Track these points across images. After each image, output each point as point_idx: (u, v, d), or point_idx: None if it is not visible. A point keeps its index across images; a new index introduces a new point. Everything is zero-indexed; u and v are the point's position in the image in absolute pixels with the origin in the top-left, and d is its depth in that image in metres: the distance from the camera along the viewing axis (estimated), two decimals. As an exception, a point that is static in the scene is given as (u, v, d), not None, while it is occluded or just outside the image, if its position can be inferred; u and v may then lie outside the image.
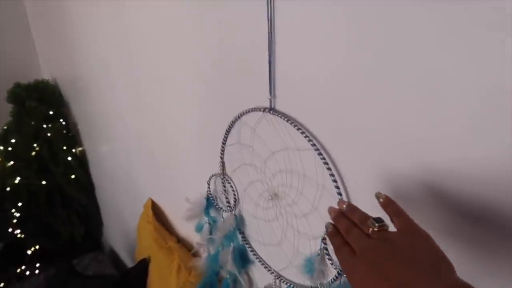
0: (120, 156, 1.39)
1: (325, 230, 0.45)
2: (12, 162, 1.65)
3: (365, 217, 0.42)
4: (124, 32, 1.01)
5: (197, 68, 0.76)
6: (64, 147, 1.74)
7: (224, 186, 0.79)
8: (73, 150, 1.80)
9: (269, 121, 0.60)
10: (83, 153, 1.83)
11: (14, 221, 1.71)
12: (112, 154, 1.47)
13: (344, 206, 0.45)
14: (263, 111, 0.60)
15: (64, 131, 1.76)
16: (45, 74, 1.89)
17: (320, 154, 0.53)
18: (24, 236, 1.75)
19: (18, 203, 1.67)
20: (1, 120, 1.71)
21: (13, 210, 1.69)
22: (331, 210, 0.45)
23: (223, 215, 0.83)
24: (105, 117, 1.41)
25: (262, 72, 0.57)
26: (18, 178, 1.65)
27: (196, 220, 0.88)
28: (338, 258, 0.41)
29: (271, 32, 0.53)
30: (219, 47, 0.66)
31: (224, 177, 0.78)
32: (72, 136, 1.81)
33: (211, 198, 0.85)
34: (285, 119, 0.56)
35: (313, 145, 0.54)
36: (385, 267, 0.36)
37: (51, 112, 1.71)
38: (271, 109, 0.58)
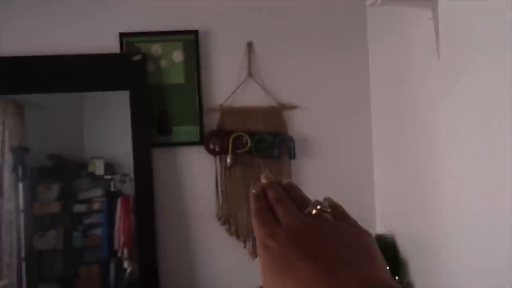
0: None
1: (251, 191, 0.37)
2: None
3: (306, 198, 0.36)
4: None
5: None
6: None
7: None
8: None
9: None
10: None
11: None
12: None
13: (285, 182, 0.38)
14: None
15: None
16: (381, 228, 2.03)
17: None
18: None
19: None
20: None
21: None
22: (267, 176, 0.37)
23: None
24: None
25: None
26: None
27: None
28: (255, 221, 0.33)
29: None
30: None
31: None
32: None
33: None
34: None
35: None
36: (320, 249, 0.30)
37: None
38: None
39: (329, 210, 0.35)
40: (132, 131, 1.95)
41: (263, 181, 0.38)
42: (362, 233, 0.34)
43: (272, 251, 0.31)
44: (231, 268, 2.05)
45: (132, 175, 2.12)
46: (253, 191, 0.37)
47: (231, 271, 2.05)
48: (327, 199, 0.37)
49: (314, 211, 0.34)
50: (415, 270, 1.74)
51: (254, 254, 2.04)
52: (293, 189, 0.38)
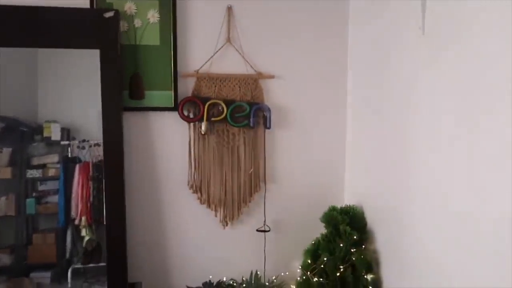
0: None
1: None
2: (317, 279, 1.82)
3: None
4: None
5: None
6: (363, 273, 1.81)
7: None
8: (367, 277, 1.85)
9: None
10: (375, 280, 1.85)
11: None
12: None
13: None
14: None
15: (365, 257, 1.84)
16: (350, 199, 2.10)
17: None
18: None
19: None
20: (311, 236, 1.94)
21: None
22: None
23: None
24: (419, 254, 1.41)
25: None
26: (322, 295, 1.79)
27: None
28: None
29: None
30: None
31: None
32: (369, 263, 1.87)
33: None
34: None
35: None
36: None
37: (356, 238, 1.84)
38: None
39: None
40: (102, 93, 1.85)
41: None
42: None
43: None
44: (201, 236, 2.04)
45: (92, 142, 2.03)
46: None
47: (201, 239, 2.04)
48: None
49: None
50: (382, 238, 1.82)
51: (225, 222, 2.04)
52: None
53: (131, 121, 1.94)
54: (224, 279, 1.96)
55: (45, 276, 2.69)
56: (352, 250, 1.82)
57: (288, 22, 2.04)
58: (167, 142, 1.99)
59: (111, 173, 1.87)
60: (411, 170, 1.54)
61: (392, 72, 1.68)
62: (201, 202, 2.02)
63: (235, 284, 1.90)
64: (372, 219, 1.90)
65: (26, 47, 1.84)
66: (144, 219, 1.99)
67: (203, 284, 1.89)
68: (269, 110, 1.99)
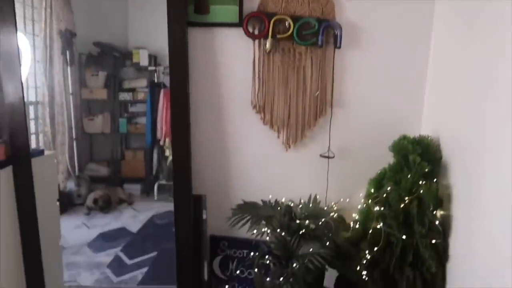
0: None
1: None
2: (379, 208, 1.72)
3: None
4: None
5: None
6: (431, 209, 1.67)
7: None
8: (436, 213, 1.71)
9: None
10: (445, 217, 1.70)
11: (364, 262, 1.78)
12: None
13: None
14: None
15: (435, 191, 1.69)
16: (427, 129, 1.90)
17: None
18: (367, 279, 1.79)
19: (373, 247, 1.72)
20: (377, 165, 1.81)
21: (367, 252, 1.75)
22: None
23: None
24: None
25: None
26: (381, 224, 1.70)
27: None
28: None
29: None
30: None
31: None
32: (439, 198, 1.72)
33: None
34: None
35: None
36: None
37: (427, 170, 1.68)
38: None
39: None
40: (168, 8, 1.82)
41: None
42: None
43: None
44: (263, 156, 2.04)
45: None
46: None
47: (263, 159, 2.04)
48: None
49: None
50: (457, 174, 1.64)
51: (287, 145, 2.00)
52: None
53: (196, 37, 1.92)
54: (283, 200, 1.96)
55: (135, 188, 3.00)
56: (420, 182, 1.67)
57: None
58: (231, 60, 1.94)
59: (176, 89, 1.90)
60: (492, 111, 1.31)
61: None
62: (264, 123, 1.99)
63: (292, 204, 1.89)
64: (449, 153, 1.70)
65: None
66: (208, 136, 2.04)
67: (262, 201, 1.92)
68: (340, 28, 1.81)
